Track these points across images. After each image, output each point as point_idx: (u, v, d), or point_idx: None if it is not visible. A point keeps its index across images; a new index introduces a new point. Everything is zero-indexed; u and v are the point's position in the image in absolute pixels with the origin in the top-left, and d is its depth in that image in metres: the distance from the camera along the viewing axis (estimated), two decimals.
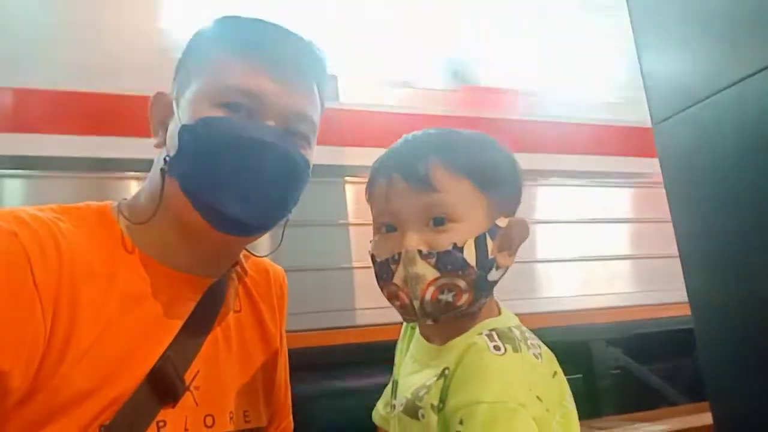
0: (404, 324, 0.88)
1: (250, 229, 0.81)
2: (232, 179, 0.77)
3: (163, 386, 0.74)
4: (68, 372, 0.68)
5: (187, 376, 0.78)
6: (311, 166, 0.86)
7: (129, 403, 0.71)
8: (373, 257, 0.77)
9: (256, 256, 1.00)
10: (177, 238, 0.81)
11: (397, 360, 0.88)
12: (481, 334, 0.72)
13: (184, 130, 0.78)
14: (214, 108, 0.78)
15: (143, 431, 0.73)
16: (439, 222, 0.72)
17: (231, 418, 0.83)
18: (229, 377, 0.85)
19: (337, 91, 2.33)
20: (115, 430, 0.70)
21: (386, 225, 0.76)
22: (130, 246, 0.80)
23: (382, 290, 0.77)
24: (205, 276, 0.85)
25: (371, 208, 0.79)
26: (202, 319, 0.83)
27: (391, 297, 0.75)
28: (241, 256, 0.95)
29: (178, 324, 0.79)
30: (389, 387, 0.87)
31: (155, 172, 0.83)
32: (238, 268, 0.95)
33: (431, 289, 0.72)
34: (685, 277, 1.28)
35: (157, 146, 0.85)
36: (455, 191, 0.73)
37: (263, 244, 0.95)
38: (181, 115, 0.80)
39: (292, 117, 0.82)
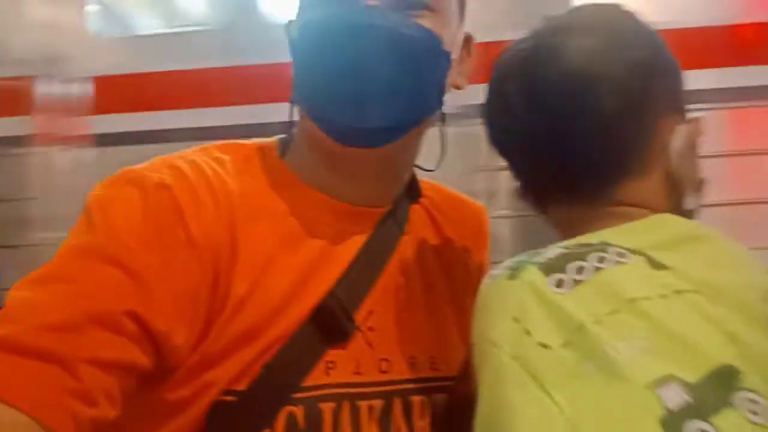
0: None
1: (374, 136, 0.68)
2: (334, 81, 0.66)
3: (328, 324, 0.69)
4: (230, 318, 0.66)
5: (359, 316, 0.71)
6: (442, 40, 0.69)
7: (292, 342, 0.67)
8: None
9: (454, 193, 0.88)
10: (321, 166, 0.73)
11: None
12: None
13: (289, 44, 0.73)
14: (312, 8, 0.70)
15: (308, 371, 0.68)
16: None
17: (412, 364, 0.74)
18: (411, 319, 0.76)
19: None
20: (278, 369, 0.66)
21: None
22: (293, 181, 0.74)
23: None
24: (373, 206, 0.76)
25: None
26: (374, 255, 0.74)
27: None
28: (427, 187, 0.83)
29: (347, 260, 0.72)
30: None
31: None
32: (418, 197, 0.83)
33: None
34: None
35: None
36: None
37: None
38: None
39: None
